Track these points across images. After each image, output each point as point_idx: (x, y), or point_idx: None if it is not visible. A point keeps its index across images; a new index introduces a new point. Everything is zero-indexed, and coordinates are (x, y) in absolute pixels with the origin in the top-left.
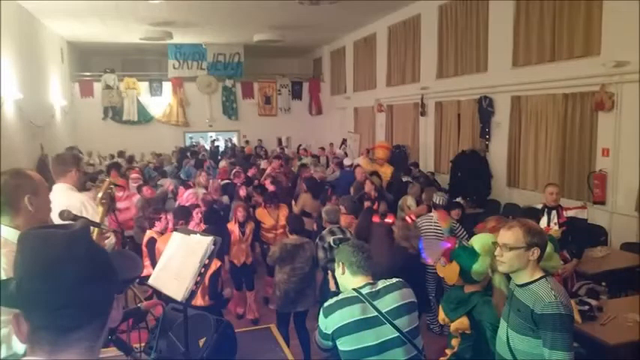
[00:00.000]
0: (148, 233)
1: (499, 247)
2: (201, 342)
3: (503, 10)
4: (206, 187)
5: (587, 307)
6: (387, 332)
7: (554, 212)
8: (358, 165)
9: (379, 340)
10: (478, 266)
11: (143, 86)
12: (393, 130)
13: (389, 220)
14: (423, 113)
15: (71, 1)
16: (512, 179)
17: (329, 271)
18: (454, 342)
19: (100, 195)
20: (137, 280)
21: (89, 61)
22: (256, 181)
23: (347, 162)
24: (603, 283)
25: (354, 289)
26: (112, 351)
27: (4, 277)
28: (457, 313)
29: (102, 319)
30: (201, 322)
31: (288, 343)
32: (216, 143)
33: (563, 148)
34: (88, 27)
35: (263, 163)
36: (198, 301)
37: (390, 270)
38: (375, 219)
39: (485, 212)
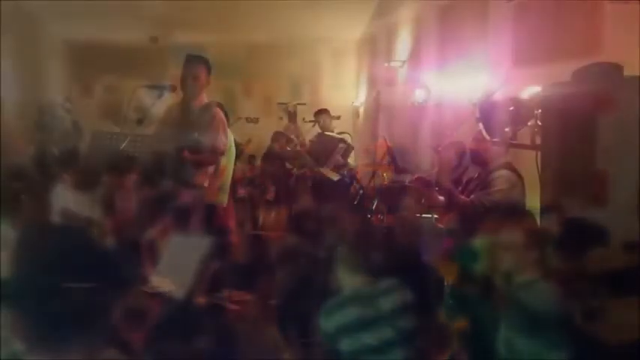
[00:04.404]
0: (148, 233)
1: (499, 247)
2: (201, 342)
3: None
4: None
5: (587, 307)
6: (387, 332)
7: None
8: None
9: (379, 341)
10: (478, 266)
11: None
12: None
13: (389, 220)
14: None
15: (71, 1)
16: None
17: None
18: (454, 342)
19: (100, 195)
20: (137, 280)
21: (89, 61)
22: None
23: None
24: (603, 284)
25: (354, 289)
26: (112, 351)
27: (4, 277)
28: (457, 313)
29: (102, 320)
30: (201, 322)
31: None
32: None
33: None
34: (88, 27)
35: None
36: (198, 301)
37: (390, 270)
38: (375, 219)
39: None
